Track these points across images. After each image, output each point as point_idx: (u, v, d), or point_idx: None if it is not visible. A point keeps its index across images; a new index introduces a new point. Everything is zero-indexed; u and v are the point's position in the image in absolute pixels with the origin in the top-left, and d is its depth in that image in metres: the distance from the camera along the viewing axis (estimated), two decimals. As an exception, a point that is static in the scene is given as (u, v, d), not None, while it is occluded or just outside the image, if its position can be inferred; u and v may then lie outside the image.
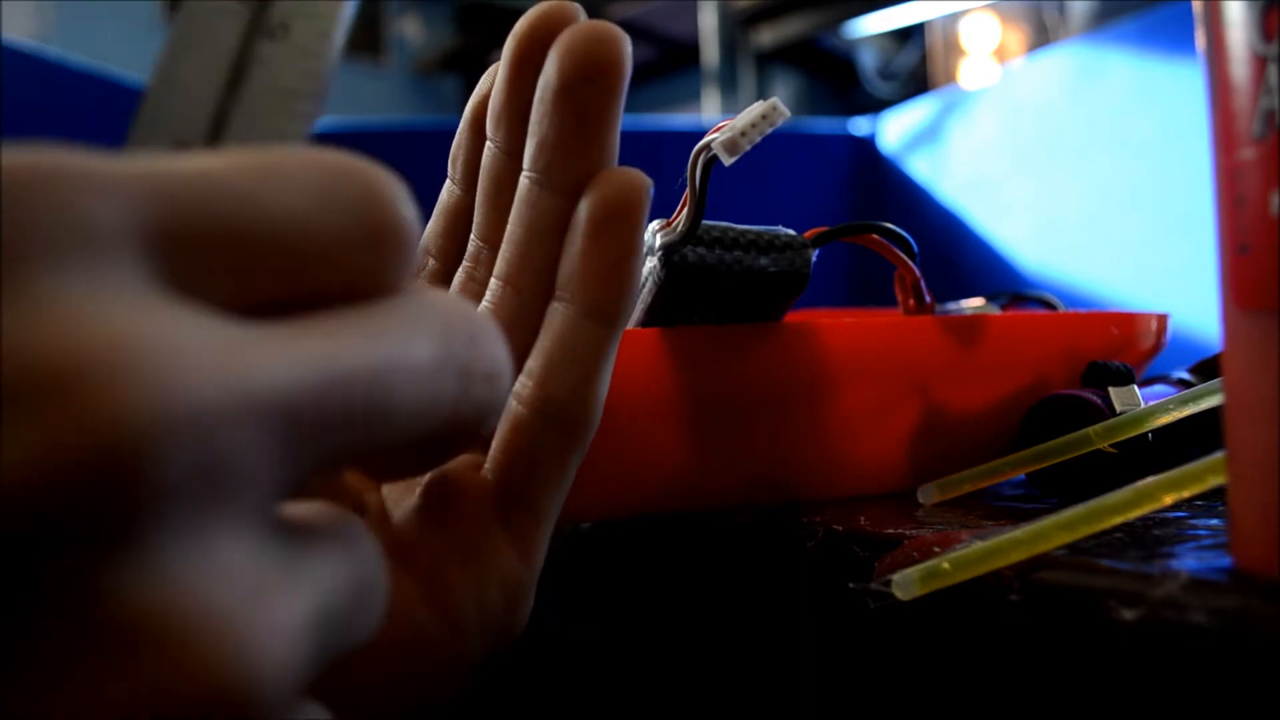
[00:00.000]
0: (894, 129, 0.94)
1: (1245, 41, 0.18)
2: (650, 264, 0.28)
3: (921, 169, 0.91)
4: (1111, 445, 0.27)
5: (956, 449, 0.31)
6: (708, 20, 1.84)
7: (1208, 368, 0.33)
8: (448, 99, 2.96)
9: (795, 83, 2.37)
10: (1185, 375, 0.33)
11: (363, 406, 0.13)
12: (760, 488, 0.30)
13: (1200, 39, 0.19)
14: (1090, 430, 0.27)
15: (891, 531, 0.25)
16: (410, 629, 0.19)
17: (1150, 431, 0.27)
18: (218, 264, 0.12)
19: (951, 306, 0.42)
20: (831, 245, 0.30)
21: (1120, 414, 0.28)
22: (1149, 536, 0.23)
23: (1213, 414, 0.26)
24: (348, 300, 0.14)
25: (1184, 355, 0.37)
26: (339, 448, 0.13)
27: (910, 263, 0.31)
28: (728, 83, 1.80)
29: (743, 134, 0.24)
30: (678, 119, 2.26)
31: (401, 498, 0.22)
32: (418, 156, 0.84)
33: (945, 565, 0.21)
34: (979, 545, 0.21)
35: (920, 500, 0.29)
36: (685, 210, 0.27)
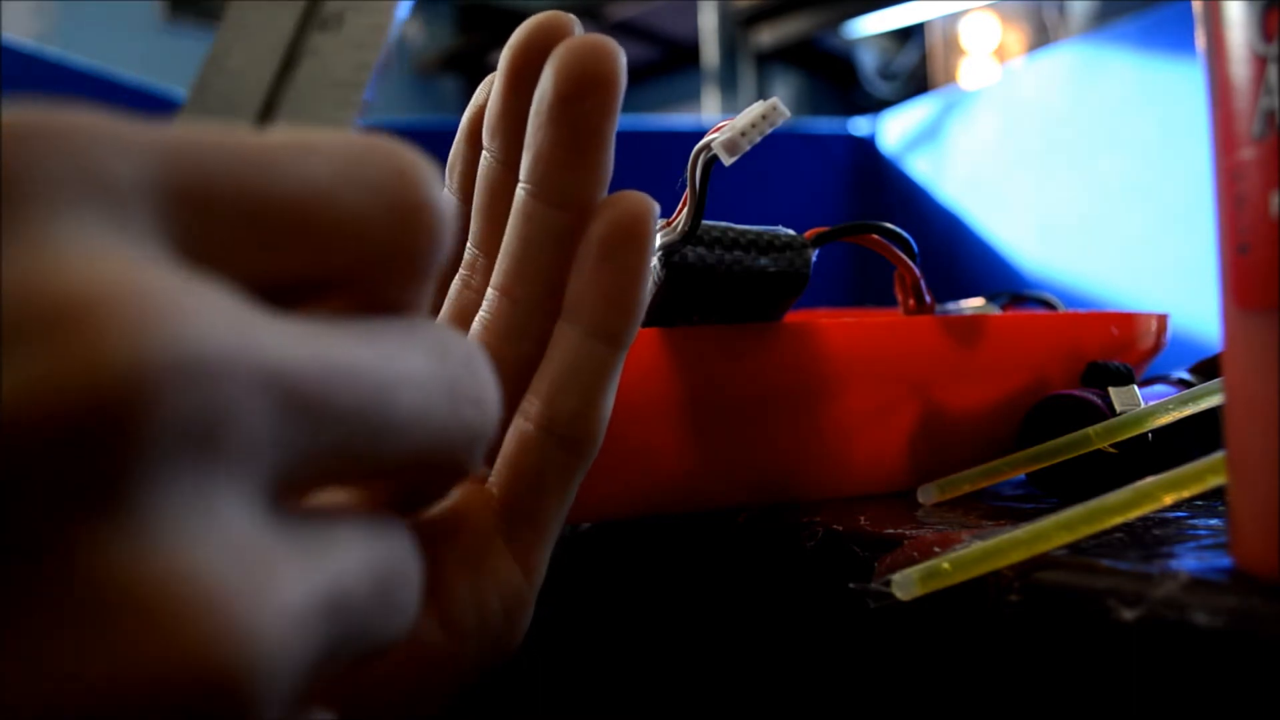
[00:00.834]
0: (894, 129, 0.94)
1: (1245, 41, 0.18)
2: (650, 264, 0.28)
3: (921, 169, 0.91)
4: (1111, 445, 0.27)
5: (956, 449, 0.31)
6: (708, 20, 1.84)
7: (1208, 368, 0.33)
8: (448, 99, 2.96)
9: (795, 83, 2.37)
10: (1185, 375, 0.33)
11: (364, 402, 0.12)
12: (760, 488, 0.30)
13: (1200, 39, 0.19)
14: (1090, 430, 0.27)
15: (891, 531, 0.25)
16: (415, 639, 0.19)
17: (1150, 431, 0.27)
18: (234, 233, 0.12)
19: (951, 306, 0.42)
20: (831, 245, 0.30)
21: (1120, 414, 0.28)
22: (1149, 536, 0.23)
23: (1213, 414, 0.26)
24: (374, 287, 0.13)
25: (1184, 355, 0.37)
26: (338, 443, 0.12)
27: (910, 263, 0.31)
28: (728, 83, 1.80)
29: (743, 134, 0.24)
30: (678, 119, 2.26)
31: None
32: (418, 156, 0.83)
33: (945, 565, 0.21)
34: (979, 545, 0.21)
35: (920, 500, 0.29)
36: (685, 210, 0.27)
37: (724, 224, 0.28)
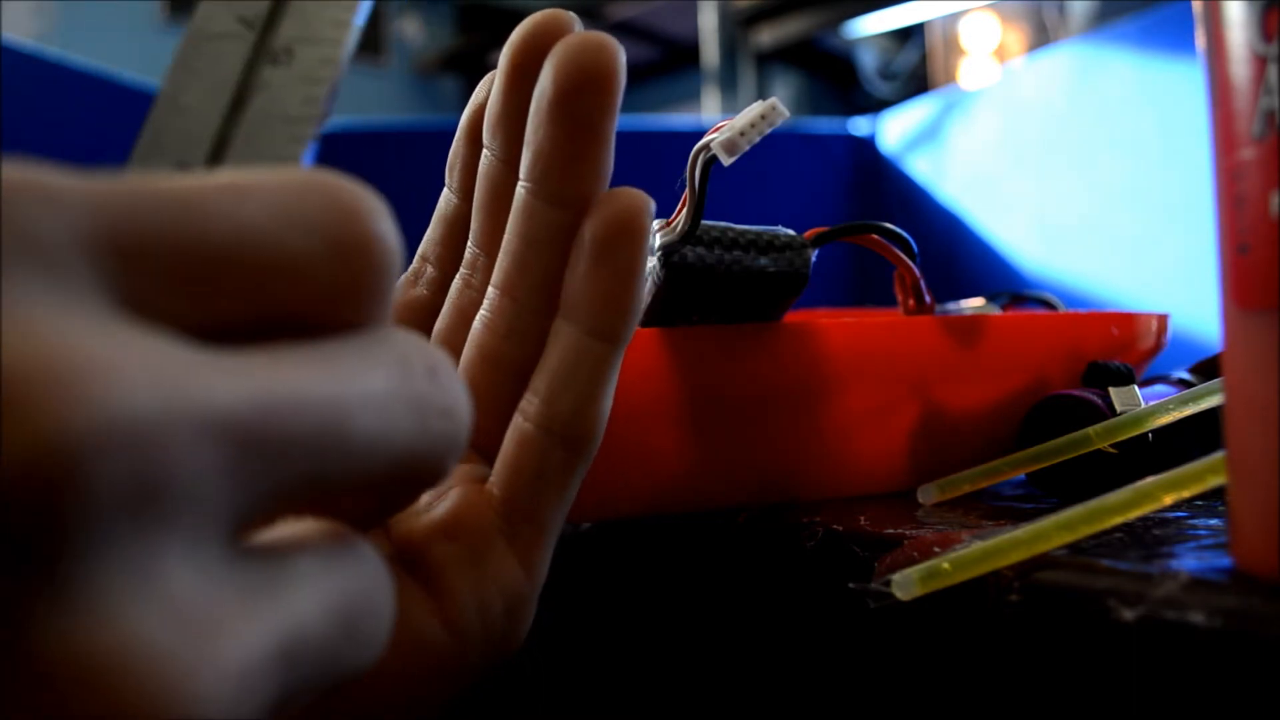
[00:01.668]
0: (894, 129, 0.94)
1: (1245, 41, 0.18)
2: (650, 264, 0.28)
3: (921, 169, 0.91)
4: (1111, 445, 0.27)
5: (956, 449, 0.31)
6: (708, 20, 1.84)
7: (1208, 368, 0.33)
8: (448, 99, 2.96)
9: (795, 83, 2.37)
10: (1185, 375, 0.33)
11: (316, 431, 0.12)
12: (760, 488, 0.30)
13: (1200, 39, 0.19)
14: (1090, 430, 0.27)
15: (891, 531, 0.25)
16: (413, 636, 0.19)
17: (1150, 432, 0.27)
18: (171, 281, 0.12)
19: (951, 306, 0.42)
20: (832, 245, 0.30)
21: (1120, 414, 0.28)
22: (1149, 536, 0.23)
23: (1213, 414, 0.26)
24: (324, 321, 0.13)
25: (1184, 355, 0.37)
26: (297, 476, 0.12)
27: (910, 263, 0.31)
28: (728, 83, 1.80)
29: (741, 134, 0.24)
30: (678, 119, 2.26)
31: (408, 509, 0.22)
32: (418, 157, 0.84)
33: (945, 565, 0.21)
34: (979, 545, 0.21)
35: (920, 500, 0.29)
36: (684, 210, 0.27)
37: (724, 224, 0.28)
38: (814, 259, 0.29)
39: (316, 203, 0.13)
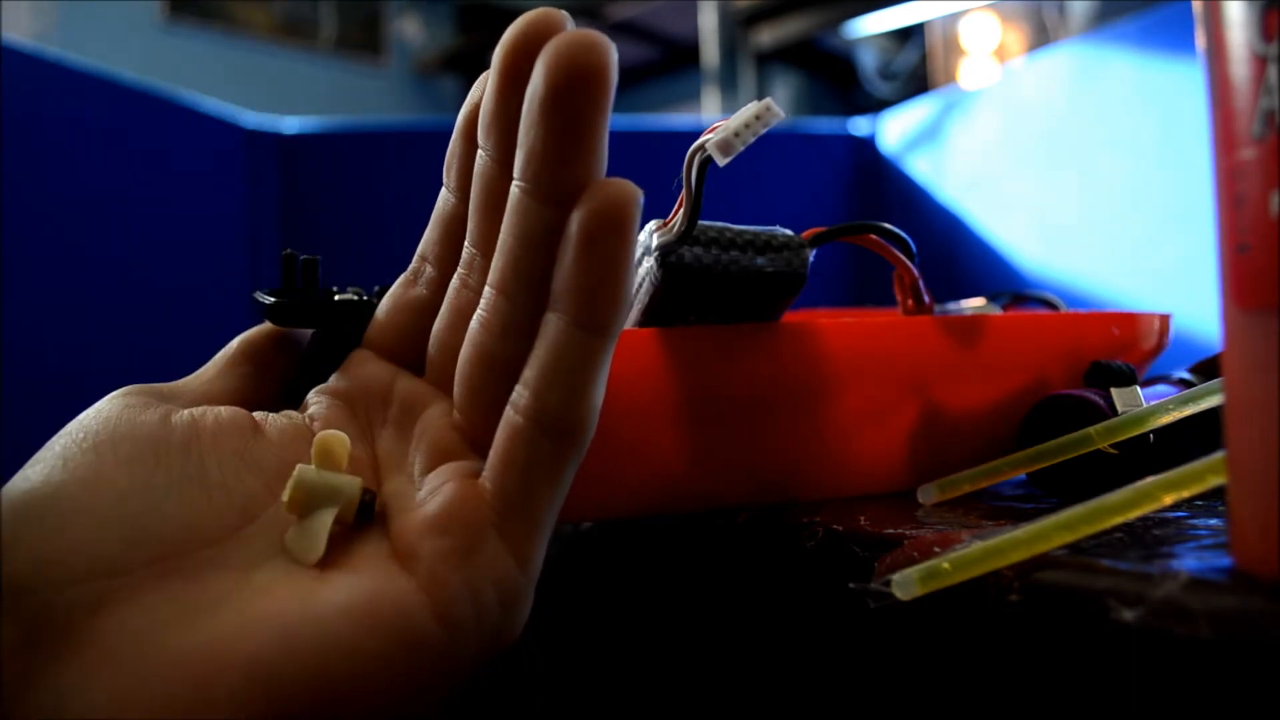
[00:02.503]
0: (894, 129, 0.94)
1: (1245, 41, 0.18)
2: (647, 264, 0.28)
3: (921, 169, 0.91)
4: (1112, 446, 0.27)
5: (956, 449, 0.31)
6: (708, 20, 1.84)
7: (1208, 367, 0.33)
8: (448, 99, 2.95)
9: (795, 83, 2.37)
10: (1185, 375, 0.33)
11: None
12: (759, 488, 0.30)
13: (1200, 39, 0.19)
14: (1090, 430, 0.27)
15: (891, 531, 0.25)
16: (408, 628, 0.19)
17: (1151, 432, 0.27)
18: None
19: (952, 306, 0.42)
20: (832, 245, 0.30)
21: (1121, 414, 0.28)
22: (1149, 536, 0.23)
23: (1213, 414, 0.26)
24: None
25: (1184, 355, 0.37)
26: None
27: (908, 263, 0.31)
28: (728, 83, 1.80)
29: (736, 134, 0.24)
30: (678, 119, 2.26)
31: (404, 503, 0.22)
32: (418, 157, 0.84)
33: (945, 565, 0.21)
34: (979, 545, 0.21)
35: (920, 500, 0.29)
36: (681, 211, 0.27)
37: (721, 224, 0.28)
38: (812, 259, 0.29)
39: None
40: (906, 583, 0.21)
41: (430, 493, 0.22)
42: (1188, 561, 0.20)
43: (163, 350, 0.73)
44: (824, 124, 0.99)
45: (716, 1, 1.82)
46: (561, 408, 0.20)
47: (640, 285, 0.29)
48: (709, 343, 0.28)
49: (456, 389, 0.23)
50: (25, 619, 0.18)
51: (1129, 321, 0.34)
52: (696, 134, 0.26)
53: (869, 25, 1.88)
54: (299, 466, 0.22)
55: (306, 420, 0.24)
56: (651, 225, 0.28)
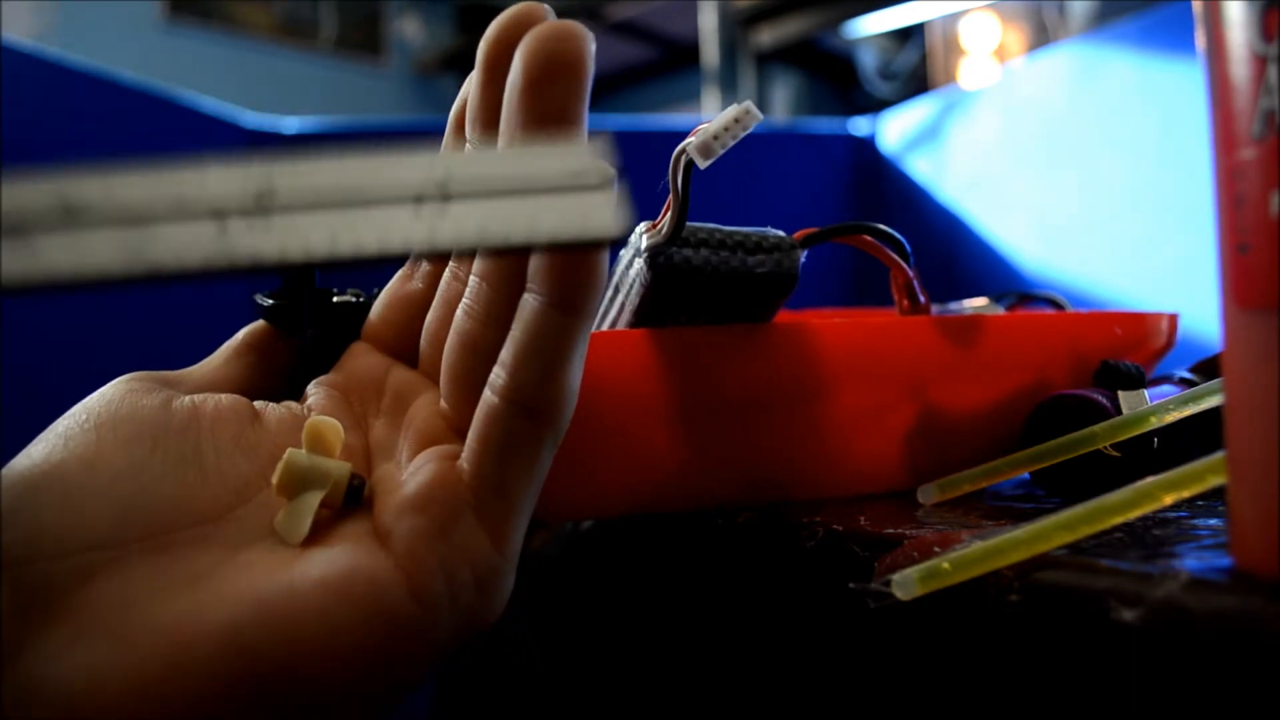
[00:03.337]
0: (894, 129, 0.94)
1: (1245, 41, 0.18)
2: (637, 265, 0.28)
3: (921, 169, 0.91)
4: (1115, 447, 0.27)
5: (956, 449, 0.31)
6: (708, 20, 1.84)
7: (1208, 367, 0.33)
8: (448, 99, 2.95)
9: (795, 83, 2.36)
10: (1186, 375, 0.33)
11: None
12: (756, 488, 0.30)
13: (1200, 39, 0.19)
14: (1094, 430, 0.27)
15: (891, 531, 0.25)
16: (382, 601, 0.20)
17: (1155, 436, 0.27)
18: None
19: (954, 306, 0.42)
20: (832, 245, 0.30)
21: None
22: (1149, 536, 0.23)
23: (1213, 414, 0.26)
24: None
25: (1184, 355, 0.37)
26: None
27: (902, 263, 0.31)
28: (728, 83, 1.80)
29: (715, 137, 0.24)
30: (678, 119, 2.25)
31: (390, 486, 0.22)
32: (418, 156, 0.83)
33: (945, 565, 0.21)
34: (979, 545, 0.21)
35: (920, 500, 0.29)
36: (669, 213, 0.27)
37: (711, 225, 0.28)
38: (803, 260, 0.29)
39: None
40: (906, 583, 0.21)
41: (411, 475, 0.22)
42: (1188, 561, 0.20)
43: (162, 350, 0.73)
44: (824, 124, 0.99)
45: (716, 1, 1.82)
46: (536, 387, 0.21)
47: (630, 287, 0.29)
48: (704, 343, 0.28)
49: (442, 376, 0.24)
50: (19, 588, 0.18)
51: (1135, 321, 0.33)
52: (696, 134, 0.26)
53: (869, 25, 1.87)
54: (289, 450, 0.22)
55: (305, 410, 0.25)
56: (641, 227, 0.28)
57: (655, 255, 0.27)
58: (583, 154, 0.18)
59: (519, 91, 0.20)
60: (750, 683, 0.28)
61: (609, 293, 0.31)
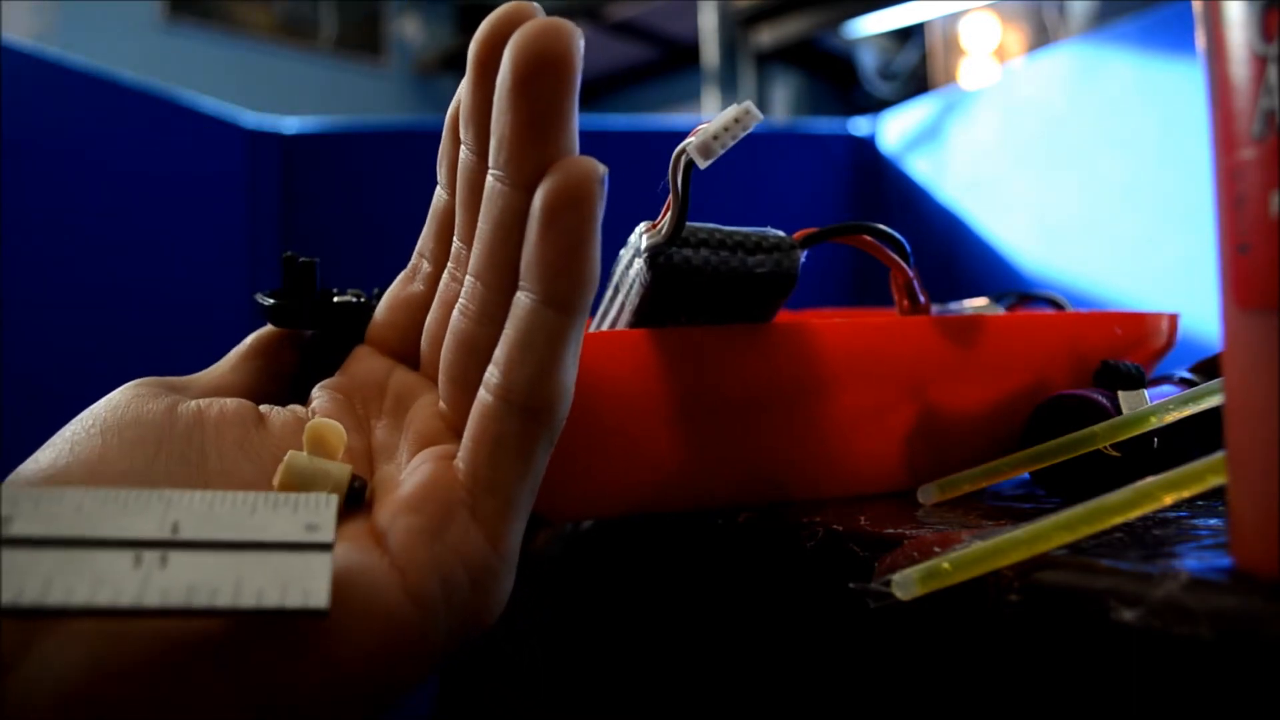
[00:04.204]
0: (894, 129, 0.94)
1: (1245, 41, 0.18)
2: (637, 265, 0.28)
3: (921, 169, 0.91)
4: (1115, 447, 0.27)
5: (955, 449, 0.31)
6: (708, 20, 1.84)
7: (1208, 367, 0.33)
8: (447, 99, 2.93)
9: (795, 83, 2.36)
10: (1186, 375, 0.33)
11: None
12: (757, 488, 0.30)
13: (1200, 39, 0.19)
14: (1093, 430, 0.27)
15: (891, 531, 0.25)
16: (377, 601, 0.20)
17: (1155, 436, 0.27)
18: None
19: (954, 306, 0.42)
20: (832, 245, 0.30)
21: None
22: (1149, 536, 0.23)
23: (1213, 414, 0.26)
24: None
25: (1184, 355, 0.37)
26: None
27: (902, 263, 0.31)
28: (728, 83, 1.80)
29: (715, 138, 0.24)
30: (678, 119, 2.25)
31: (390, 487, 0.22)
32: (418, 156, 0.83)
33: (945, 565, 0.21)
34: (979, 545, 0.21)
35: (920, 500, 0.29)
36: (669, 212, 0.27)
37: (711, 225, 0.28)
38: (803, 260, 0.29)
39: None
40: (906, 583, 0.21)
41: (407, 475, 0.22)
42: (1188, 561, 0.20)
43: (162, 350, 0.73)
44: (824, 124, 0.99)
45: (716, 1, 1.82)
46: (529, 385, 0.20)
47: (630, 287, 0.29)
48: (704, 343, 0.28)
49: (440, 377, 0.24)
50: None
51: (1135, 321, 0.33)
52: (696, 134, 0.26)
53: (869, 25, 1.87)
54: (290, 453, 0.22)
55: (309, 414, 0.25)
56: (641, 227, 0.28)
57: (655, 255, 0.27)
58: (320, 507, 0.19)
59: (508, 90, 0.20)
60: (750, 683, 0.28)
61: (609, 293, 0.31)
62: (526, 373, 0.20)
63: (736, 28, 1.82)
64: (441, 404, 0.24)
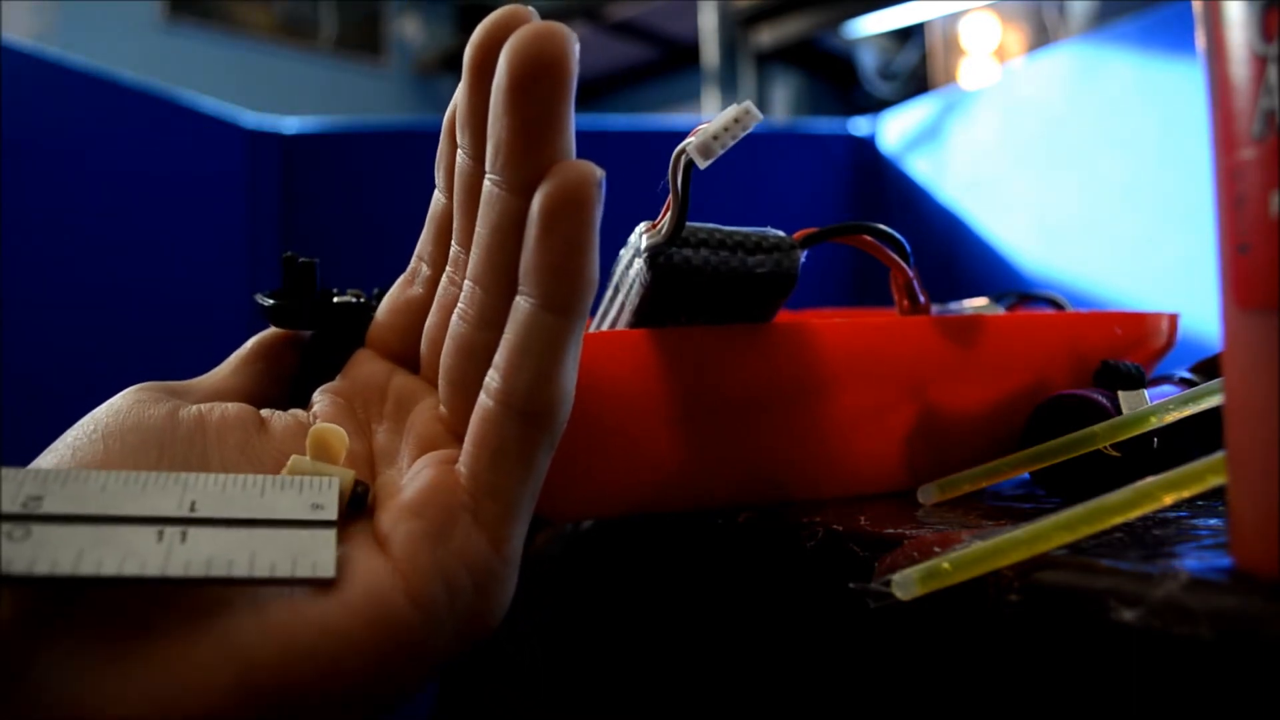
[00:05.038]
0: (894, 129, 0.94)
1: (1245, 41, 0.18)
2: (637, 265, 0.28)
3: (921, 169, 0.91)
4: (1115, 447, 0.27)
5: (955, 449, 0.31)
6: (708, 20, 1.84)
7: (1208, 367, 0.33)
8: (447, 99, 2.93)
9: (795, 83, 2.36)
10: (1186, 375, 0.33)
11: None
12: (757, 488, 0.30)
13: (1200, 39, 0.19)
14: (1093, 430, 0.27)
15: (891, 531, 0.25)
16: (380, 606, 0.20)
17: (1155, 436, 0.27)
18: None
19: (954, 306, 0.42)
20: (832, 245, 0.30)
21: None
22: (1149, 536, 0.23)
23: (1213, 414, 0.26)
24: None
25: (1184, 355, 0.37)
26: None
27: (902, 263, 0.31)
28: (728, 83, 1.80)
29: (715, 138, 0.24)
30: (678, 119, 2.25)
31: (392, 491, 0.22)
32: (418, 156, 0.83)
33: (945, 565, 0.21)
34: (979, 545, 0.21)
35: (920, 500, 0.29)
36: (669, 212, 0.27)
37: (711, 225, 0.28)
38: (803, 260, 0.29)
39: None
40: (906, 583, 0.21)
41: (409, 480, 0.22)
42: (1188, 561, 0.20)
43: (163, 350, 0.73)
44: (824, 124, 0.99)
45: (716, 1, 1.82)
46: (530, 389, 0.20)
47: (630, 287, 0.29)
48: (704, 343, 0.28)
49: (440, 381, 0.24)
50: (28, 599, 0.18)
51: (1135, 321, 0.33)
52: (696, 134, 0.26)
53: (869, 25, 1.87)
54: (293, 457, 0.22)
55: (311, 418, 0.25)
56: (641, 227, 0.28)
57: (655, 255, 0.27)
58: (323, 488, 0.21)
59: (504, 93, 0.20)
60: (750, 682, 0.28)
61: (609, 293, 0.31)
62: (526, 377, 0.20)
63: (736, 28, 1.82)
64: (442, 408, 0.24)
